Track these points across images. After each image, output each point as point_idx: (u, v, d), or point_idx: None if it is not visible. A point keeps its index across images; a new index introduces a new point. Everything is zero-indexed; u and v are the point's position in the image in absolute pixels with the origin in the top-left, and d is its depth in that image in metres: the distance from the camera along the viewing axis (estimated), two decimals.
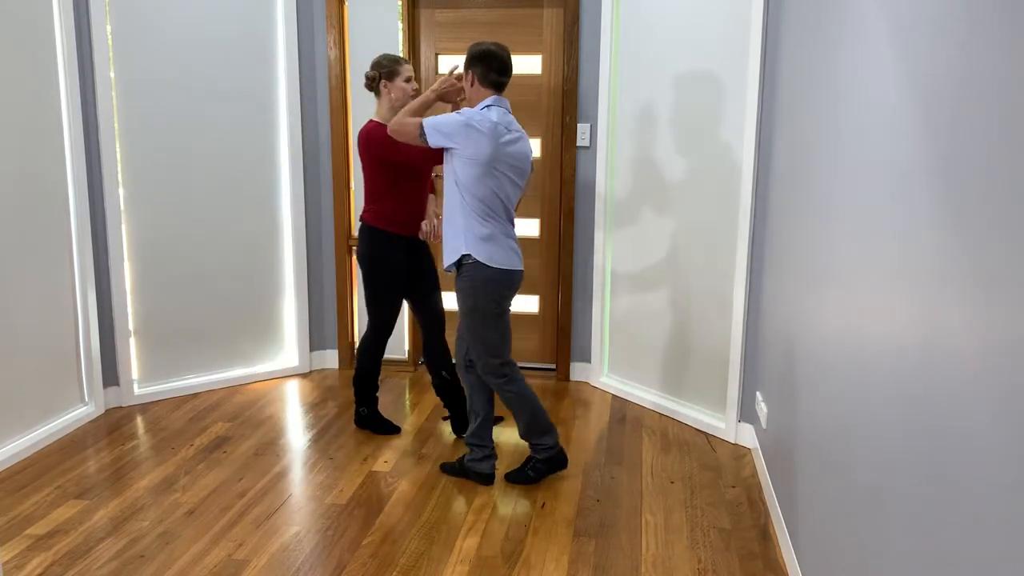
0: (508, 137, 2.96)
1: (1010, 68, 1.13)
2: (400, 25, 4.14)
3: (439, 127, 2.92)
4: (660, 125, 3.76)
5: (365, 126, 3.30)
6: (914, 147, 1.54)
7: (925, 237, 1.45)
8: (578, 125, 4.08)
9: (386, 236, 3.35)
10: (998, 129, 1.16)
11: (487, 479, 3.17)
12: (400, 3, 4.11)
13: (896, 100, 1.66)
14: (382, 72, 3.29)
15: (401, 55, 3.31)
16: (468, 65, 3.02)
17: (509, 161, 2.96)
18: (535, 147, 4.21)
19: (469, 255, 2.98)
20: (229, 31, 3.94)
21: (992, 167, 1.18)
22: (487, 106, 2.99)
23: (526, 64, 4.16)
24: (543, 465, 3.16)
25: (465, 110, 2.96)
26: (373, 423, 3.63)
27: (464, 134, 2.89)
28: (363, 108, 4.24)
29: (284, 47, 4.10)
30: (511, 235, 3.07)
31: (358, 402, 3.62)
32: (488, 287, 2.99)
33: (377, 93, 3.34)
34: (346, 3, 4.17)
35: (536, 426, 3.12)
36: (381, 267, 3.37)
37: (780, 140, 3.09)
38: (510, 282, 3.04)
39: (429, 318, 3.53)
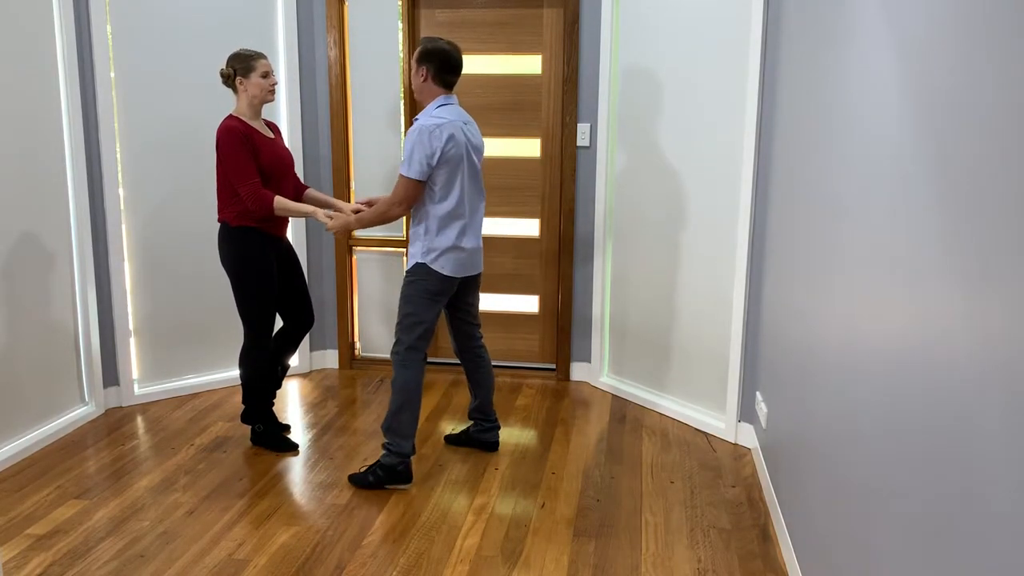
0: (465, 129, 3.03)
1: (1011, 67, 1.13)
2: (400, 25, 4.14)
3: (418, 160, 2.92)
4: (660, 125, 3.76)
5: (224, 122, 3.14)
6: (916, 147, 1.54)
7: (926, 237, 1.45)
8: (578, 125, 4.08)
9: (254, 233, 3.23)
10: (1000, 129, 1.16)
11: (494, 447, 3.45)
12: (400, 3, 4.11)
13: (897, 99, 1.66)
14: (237, 68, 3.17)
15: (258, 50, 3.18)
16: (422, 60, 3.00)
17: (470, 153, 3.05)
18: (535, 147, 4.21)
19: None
20: (229, 31, 3.94)
21: (994, 167, 1.18)
22: (441, 105, 3.02)
23: (526, 64, 4.15)
24: (384, 473, 3.09)
25: (418, 123, 2.95)
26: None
27: (431, 143, 2.92)
28: (363, 108, 4.24)
29: (284, 47, 4.10)
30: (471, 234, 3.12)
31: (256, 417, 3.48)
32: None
33: (235, 90, 3.20)
34: (346, 3, 4.17)
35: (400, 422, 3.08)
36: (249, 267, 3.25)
37: (780, 140, 3.09)
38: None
39: (300, 317, 3.48)
